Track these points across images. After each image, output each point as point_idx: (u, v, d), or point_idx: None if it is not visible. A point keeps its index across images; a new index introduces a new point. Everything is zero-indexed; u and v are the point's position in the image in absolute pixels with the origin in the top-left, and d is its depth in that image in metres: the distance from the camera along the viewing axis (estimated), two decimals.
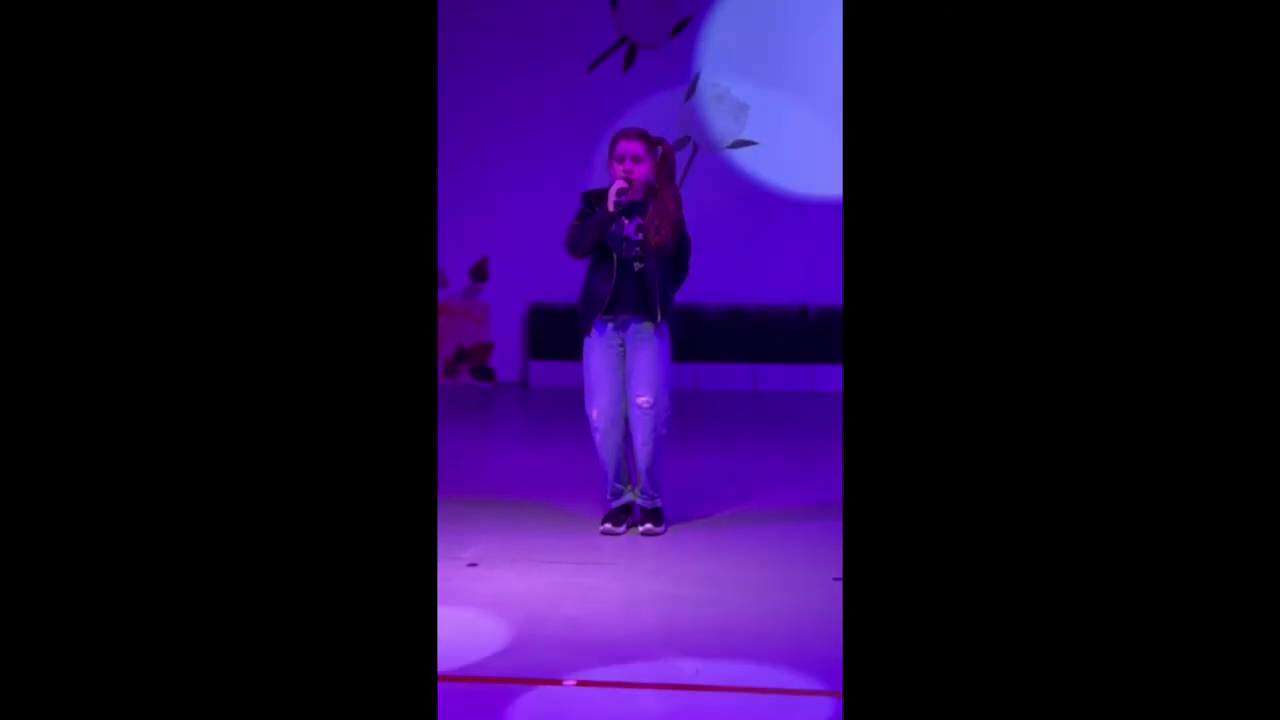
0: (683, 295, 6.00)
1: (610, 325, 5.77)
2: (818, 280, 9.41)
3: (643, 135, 5.76)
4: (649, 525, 5.83)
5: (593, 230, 5.68)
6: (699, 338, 9.49)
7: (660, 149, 5.77)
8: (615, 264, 5.71)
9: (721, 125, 9.59)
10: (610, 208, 5.62)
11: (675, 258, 5.81)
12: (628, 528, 5.87)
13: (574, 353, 6.00)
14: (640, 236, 5.69)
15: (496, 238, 9.71)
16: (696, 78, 9.57)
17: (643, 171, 5.69)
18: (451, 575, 5.20)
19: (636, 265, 5.71)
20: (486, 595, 5.02)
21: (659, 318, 5.72)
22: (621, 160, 5.69)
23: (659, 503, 5.91)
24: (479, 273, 9.77)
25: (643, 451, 5.79)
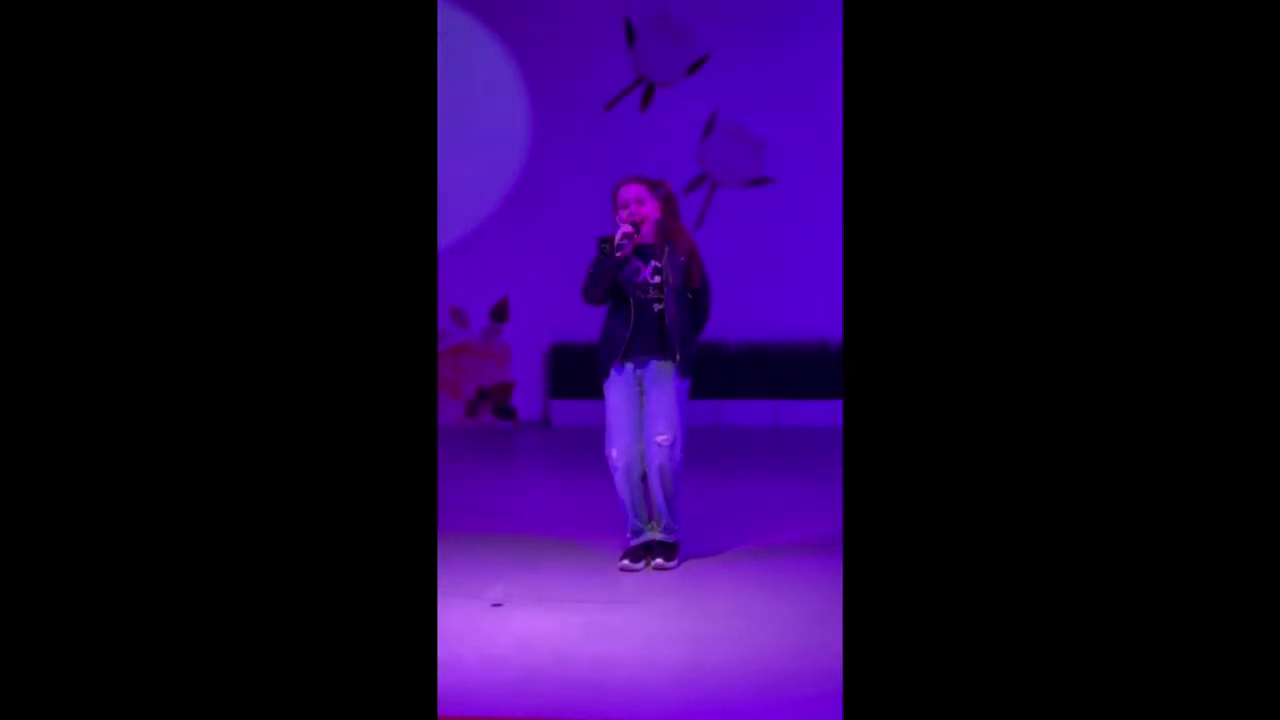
0: (703, 331, 6.02)
1: (630, 365, 5.81)
2: (838, 315, 9.37)
3: (641, 179, 5.85)
4: (660, 560, 5.85)
5: (605, 277, 5.75)
6: (720, 374, 9.50)
7: (662, 190, 5.84)
8: (633, 308, 5.78)
9: (739, 162, 9.62)
10: (617, 254, 5.68)
11: (695, 301, 5.84)
12: (646, 564, 5.88)
13: (595, 391, 6.02)
14: (658, 280, 5.75)
15: (517, 277, 9.75)
16: (714, 115, 9.61)
17: (649, 212, 5.76)
18: (477, 615, 5.20)
19: (656, 306, 5.76)
20: (512, 635, 5.02)
21: (676, 359, 5.75)
22: (625, 206, 5.78)
23: (677, 536, 5.93)
24: (499, 313, 9.80)
25: (661, 488, 5.81)
